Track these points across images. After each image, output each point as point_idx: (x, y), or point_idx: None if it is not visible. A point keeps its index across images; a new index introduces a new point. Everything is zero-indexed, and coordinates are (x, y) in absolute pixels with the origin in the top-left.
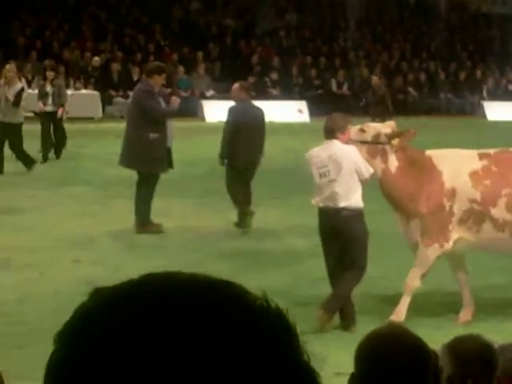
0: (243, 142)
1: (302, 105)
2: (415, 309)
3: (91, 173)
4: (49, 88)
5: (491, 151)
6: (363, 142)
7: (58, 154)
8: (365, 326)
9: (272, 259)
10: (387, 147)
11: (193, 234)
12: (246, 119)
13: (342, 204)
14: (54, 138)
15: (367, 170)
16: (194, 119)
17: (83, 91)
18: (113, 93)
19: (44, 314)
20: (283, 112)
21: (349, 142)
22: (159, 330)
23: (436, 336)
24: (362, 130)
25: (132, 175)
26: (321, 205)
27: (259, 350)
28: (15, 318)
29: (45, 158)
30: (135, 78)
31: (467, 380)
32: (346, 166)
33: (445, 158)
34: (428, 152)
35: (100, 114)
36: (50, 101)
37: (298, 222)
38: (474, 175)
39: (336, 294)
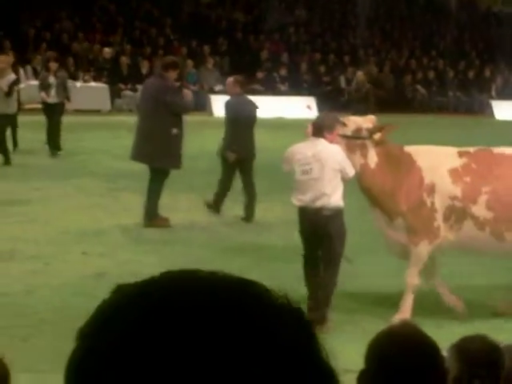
0: (238, 135)
1: (311, 101)
2: (416, 307)
3: (99, 165)
4: (52, 79)
5: (471, 149)
6: (343, 136)
7: (52, 148)
8: (367, 324)
9: (276, 255)
10: (367, 142)
11: (199, 229)
12: (240, 113)
13: (323, 203)
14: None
15: (351, 170)
16: (202, 113)
17: (92, 84)
18: (121, 86)
19: (50, 306)
20: (292, 108)
21: (335, 136)
22: (182, 328)
23: (438, 335)
24: (343, 124)
25: (140, 169)
26: (301, 203)
27: (281, 348)
28: (21, 309)
29: (57, 149)
30: (144, 71)
31: (474, 380)
32: (330, 165)
33: (424, 154)
34: (407, 148)
35: (108, 106)
36: (53, 92)
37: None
38: (453, 172)
39: (324, 296)
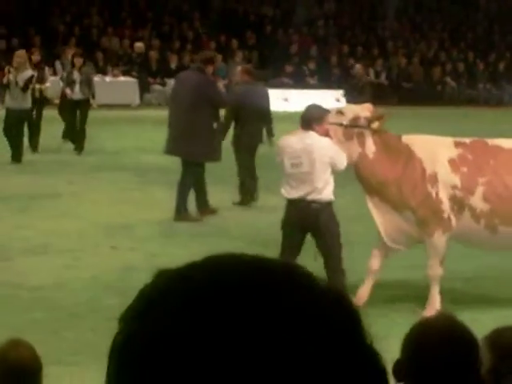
0: (244, 124)
1: (340, 94)
2: (448, 301)
3: (128, 159)
4: (76, 75)
5: (467, 140)
6: (341, 125)
7: (76, 145)
8: (397, 317)
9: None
10: (365, 131)
11: (227, 222)
12: (247, 102)
13: (313, 197)
14: (79, 126)
15: (342, 163)
16: None
17: (121, 78)
18: (151, 80)
19: (80, 300)
20: (321, 101)
21: (325, 128)
22: (228, 311)
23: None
24: (340, 113)
25: (169, 163)
26: (291, 196)
27: (327, 331)
28: (52, 303)
29: (79, 148)
30: (173, 65)
31: (508, 375)
32: (321, 158)
33: (422, 144)
34: (404, 138)
35: (138, 101)
36: (77, 88)
37: (359, 212)
38: (451, 162)
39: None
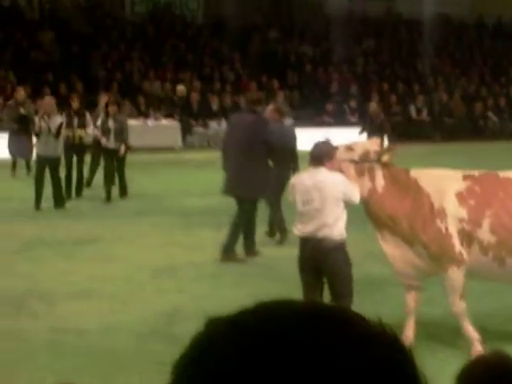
0: (272, 162)
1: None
2: (426, 337)
3: (172, 202)
4: (111, 123)
5: (476, 173)
6: (352, 161)
7: (121, 192)
8: (443, 354)
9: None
10: (375, 165)
11: (270, 263)
12: (276, 141)
13: (324, 234)
14: (117, 175)
15: (356, 196)
16: None
17: (163, 121)
18: (192, 122)
19: (127, 344)
20: (362, 138)
21: (336, 163)
22: (279, 362)
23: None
24: (350, 149)
25: (214, 204)
26: (302, 234)
27: (382, 375)
28: (98, 347)
29: (108, 197)
30: (214, 107)
31: None
32: (332, 194)
33: (430, 178)
34: (412, 172)
35: (180, 143)
36: (112, 137)
37: (374, 248)
38: (458, 195)
39: None
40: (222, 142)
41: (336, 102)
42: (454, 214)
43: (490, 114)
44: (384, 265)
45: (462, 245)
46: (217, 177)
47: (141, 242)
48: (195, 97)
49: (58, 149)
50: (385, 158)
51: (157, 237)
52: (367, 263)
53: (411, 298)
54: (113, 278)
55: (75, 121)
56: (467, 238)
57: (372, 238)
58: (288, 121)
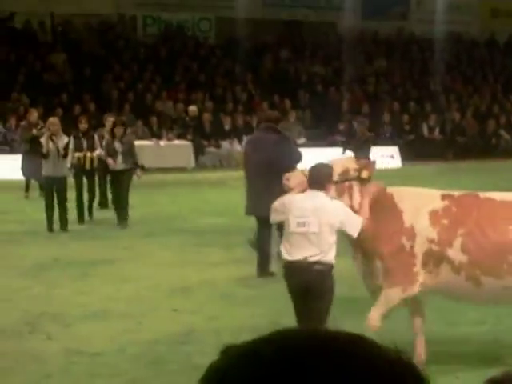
0: None
1: (394, 150)
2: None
3: (185, 222)
4: (118, 145)
5: (456, 193)
6: (334, 182)
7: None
8: (462, 373)
9: (367, 307)
10: (353, 183)
11: (280, 284)
12: (298, 158)
13: (317, 258)
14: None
15: (356, 228)
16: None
17: (176, 142)
18: (205, 143)
19: (141, 365)
20: (374, 158)
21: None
22: None
23: None
24: None
25: (227, 224)
26: (292, 258)
27: None
28: (112, 368)
29: (122, 219)
30: (227, 127)
31: None
32: (330, 221)
33: (406, 195)
34: (390, 189)
35: (193, 163)
36: (119, 159)
37: None
38: (433, 214)
39: None
40: (244, 162)
41: (348, 121)
42: (424, 233)
43: (503, 131)
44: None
45: (425, 266)
46: (229, 196)
47: (154, 262)
48: (207, 117)
49: (65, 169)
50: (364, 174)
51: (170, 257)
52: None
53: (418, 318)
54: (126, 299)
55: (84, 143)
56: (435, 258)
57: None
58: (301, 140)
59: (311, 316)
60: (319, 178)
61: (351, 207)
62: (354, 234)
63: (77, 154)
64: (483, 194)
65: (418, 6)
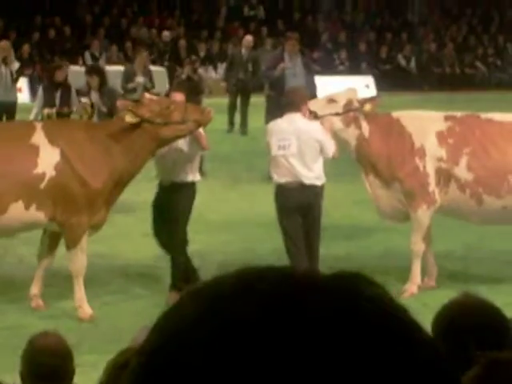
0: None
1: (370, 80)
2: None
3: None
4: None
5: (458, 114)
6: (336, 114)
7: None
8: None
9: (340, 233)
10: (359, 113)
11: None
12: None
13: (310, 180)
14: None
15: (331, 150)
16: (261, 94)
17: (150, 67)
18: (179, 69)
19: (111, 289)
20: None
21: (316, 116)
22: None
23: None
24: (333, 100)
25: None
26: (284, 180)
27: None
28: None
29: None
30: (202, 54)
31: None
32: (311, 142)
33: (412, 119)
34: (395, 114)
35: (167, 88)
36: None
37: (364, 197)
38: (439, 135)
39: (317, 264)
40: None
41: (325, 50)
42: (433, 152)
43: (479, 63)
44: (374, 213)
45: (438, 184)
46: None
47: None
48: (182, 43)
49: (16, 94)
50: (367, 107)
51: None
52: (358, 211)
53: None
54: None
55: (57, 96)
56: (444, 176)
57: (363, 189)
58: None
59: (313, 229)
60: (295, 101)
61: (361, 136)
62: (329, 154)
63: (46, 110)
64: (484, 115)
65: None
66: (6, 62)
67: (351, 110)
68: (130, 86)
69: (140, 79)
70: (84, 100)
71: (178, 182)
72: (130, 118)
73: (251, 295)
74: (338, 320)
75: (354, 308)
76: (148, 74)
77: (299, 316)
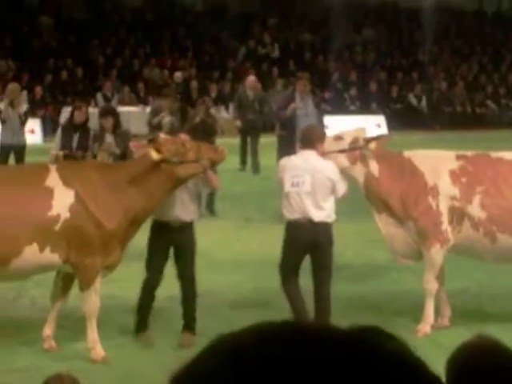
0: None
1: (381, 119)
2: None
3: None
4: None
5: (469, 153)
6: (341, 151)
7: None
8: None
9: (353, 273)
10: (365, 152)
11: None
12: None
13: (319, 219)
14: None
15: (341, 190)
16: (273, 134)
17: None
18: (191, 110)
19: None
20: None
21: (325, 153)
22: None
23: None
24: (339, 138)
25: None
26: (294, 217)
27: None
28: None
29: None
30: (213, 94)
31: None
32: (324, 180)
33: (424, 157)
34: (406, 153)
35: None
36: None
37: (378, 236)
38: (452, 173)
39: (328, 306)
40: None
41: (335, 89)
42: (447, 191)
43: (489, 102)
44: (386, 252)
45: (451, 223)
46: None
47: None
48: (194, 84)
49: (24, 137)
50: (373, 145)
51: None
52: (370, 251)
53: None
54: None
55: (75, 139)
56: (458, 215)
57: (376, 228)
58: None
59: (323, 267)
60: (311, 138)
61: (369, 174)
62: (339, 194)
63: (61, 152)
64: (494, 154)
65: None
66: (13, 105)
67: (357, 148)
68: (156, 121)
69: (167, 118)
70: (109, 140)
71: (187, 221)
72: (155, 156)
73: (269, 352)
74: (357, 375)
75: (373, 362)
76: (174, 113)
77: (319, 372)
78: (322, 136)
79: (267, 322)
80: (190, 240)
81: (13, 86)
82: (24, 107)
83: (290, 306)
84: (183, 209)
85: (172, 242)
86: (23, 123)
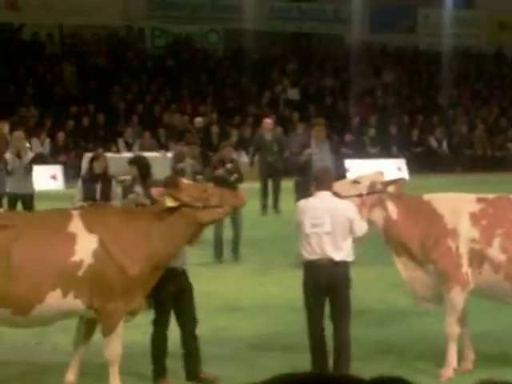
0: None
1: (401, 163)
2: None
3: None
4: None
5: (490, 196)
6: (359, 195)
7: None
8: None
9: (375, 317)
10: (383, 195)
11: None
12: None
13: (339, 258)
14: None
15: (360, 230)
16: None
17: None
18: (211, 154)
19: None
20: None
21: (343, 197)
22: None
23: None
24: (356, 182)
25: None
26: (314, 257)
27: None
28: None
29: None
30: (234, 139)
31: None
32: (343, 219)
33: (444, 200)
34: (426, 196)
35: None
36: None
37: (399, 280)
38: (472, 216)
39: (349, 350)
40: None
41: (356, 133)
42: (466, 234)
43: (510, 145)
44: (407, 296)
45: (471, 265)
46: None
47: None
48: (215, 129)
49: (31, 185)
50: (391, 189)
51: None
52: (392, 295)
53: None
54: None
55: (97, 189)
56: (478, 257)
57: (396, 272)
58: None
59: (342, 309)
60: (324, 179)
61: (388, 217)
62: (358, 233)
63: (85, 204)
64: None
65: (426, 19)
66: (19, 156)
67: (374, 192)
68: (180, 167)
69: (189, 162)
70: (137, 190)
71: (184, 267)
72: (170, 203)
73: None
74: None
75: None
76: (197, 159)
77: None
78: (332, 177)
79: (290, 373)
80: (190, 284)
81: (18, 134)
82: (29, 156)
83: (310, 351)
84: (184, 255)
85: (179, 287)
86: (29, 172)
